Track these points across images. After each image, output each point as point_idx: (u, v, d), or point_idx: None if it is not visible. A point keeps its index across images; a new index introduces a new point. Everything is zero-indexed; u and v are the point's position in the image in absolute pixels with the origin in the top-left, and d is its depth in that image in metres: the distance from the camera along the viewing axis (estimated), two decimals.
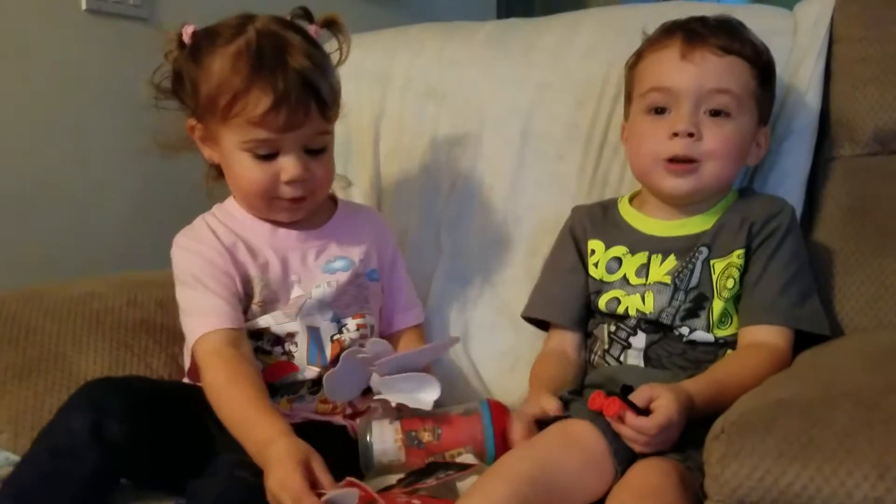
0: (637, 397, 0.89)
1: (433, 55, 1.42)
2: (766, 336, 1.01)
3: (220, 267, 1.05)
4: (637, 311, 1.05)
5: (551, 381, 1.07)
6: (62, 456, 0.89)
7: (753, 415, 0.74)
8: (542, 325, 1.18)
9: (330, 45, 1.11)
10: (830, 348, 0.97)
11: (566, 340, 1.14)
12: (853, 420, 0.70)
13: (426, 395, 1.00)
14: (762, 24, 1.17)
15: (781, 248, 1.04)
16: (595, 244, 1.12)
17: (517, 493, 0.84)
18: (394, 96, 1.42)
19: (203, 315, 1.03)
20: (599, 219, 1.14)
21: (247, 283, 1.07)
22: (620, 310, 1.07)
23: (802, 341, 1.02)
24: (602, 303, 1.09)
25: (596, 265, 1.11)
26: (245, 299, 1.06)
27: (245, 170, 1.04)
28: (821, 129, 1.20)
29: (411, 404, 1.00)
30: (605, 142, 1.29)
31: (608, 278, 1.09)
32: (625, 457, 0.90)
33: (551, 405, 0.97)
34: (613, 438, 0.90)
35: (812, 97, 1.19)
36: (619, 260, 1.10)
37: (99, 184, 1.55)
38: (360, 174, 1.40)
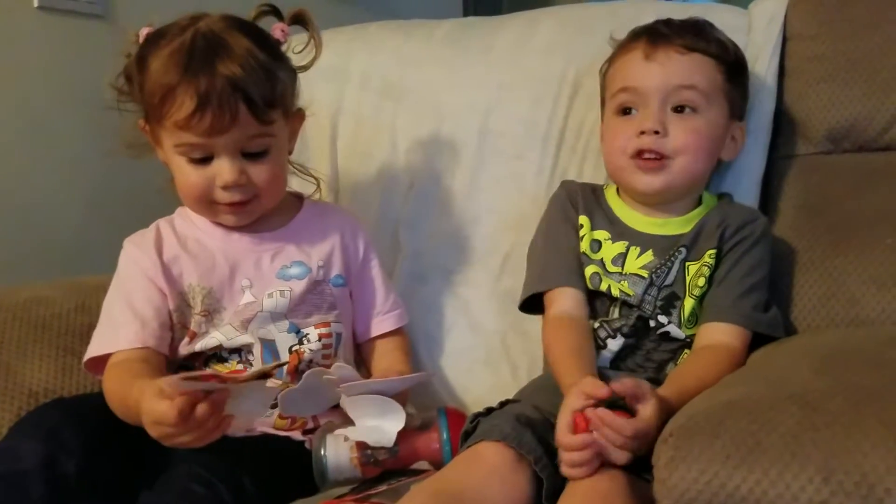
0: (624, 387, 0.86)
1: (391, 53, 1.41)
2: (724, 336, 1.02)
3: (152, 280, 1.04)
4: (620, 291, 1.05)
5: (580, 355, 1.01)
6: (9, 486, 0.88)
7: (701, 417, 0.74)
8: (532, 309, 1.13)
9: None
10: (781, 348, 0.97)
11: (570, 300, 1.07)
12: (799, 423, 0.70)
13: (389, 426, 0.97)
14: (717, 22, 1.17)
15: (750, 253, 1.05)
16: (583, 220, 1.12)
17: None
18: (351, 94, 1.40)
19: (113, 331, 1.02)
20: (590, 197, 1.15)
21: (184, 295, 1.05)
22: (603, 287, 1.07)
23: (757, 345, 1.02)
24: (587, 274, 1.09)
25: (583, 238, 1.12)
26: (184, 311, 1.05)
27: (182, 174, 1.02)
28: (775, 128, 1.20)
29: (372, 442, 0.97)
30: (563, 140, 1.28)
31: (591, 255, 1.10)
32: (549, 463, 0.90)
33: (599, 390, 0.87)
34: (535, 448, 0.90)
35: (766, 96, 1.19)
36: (599, 243, 1.10)
37: (52, 186, 1.52)
38: (317, 170, 1.38)
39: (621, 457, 0.85)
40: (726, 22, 1.21)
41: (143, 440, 0.91)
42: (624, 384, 0.86)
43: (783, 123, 1.20)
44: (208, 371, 0.91)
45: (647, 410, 0.86)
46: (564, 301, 1.08)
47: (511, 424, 0.93)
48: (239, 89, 0.96)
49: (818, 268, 1.08)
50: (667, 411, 0.86)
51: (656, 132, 1.04)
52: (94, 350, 1.02)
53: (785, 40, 1.21)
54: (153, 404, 0.84)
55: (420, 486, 0.89)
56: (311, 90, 1.38)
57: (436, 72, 1.37)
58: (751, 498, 0.68)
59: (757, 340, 1.03)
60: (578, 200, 1.14)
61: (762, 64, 1.20)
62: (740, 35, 1.21)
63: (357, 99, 1.40)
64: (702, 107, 1.06)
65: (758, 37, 1.21)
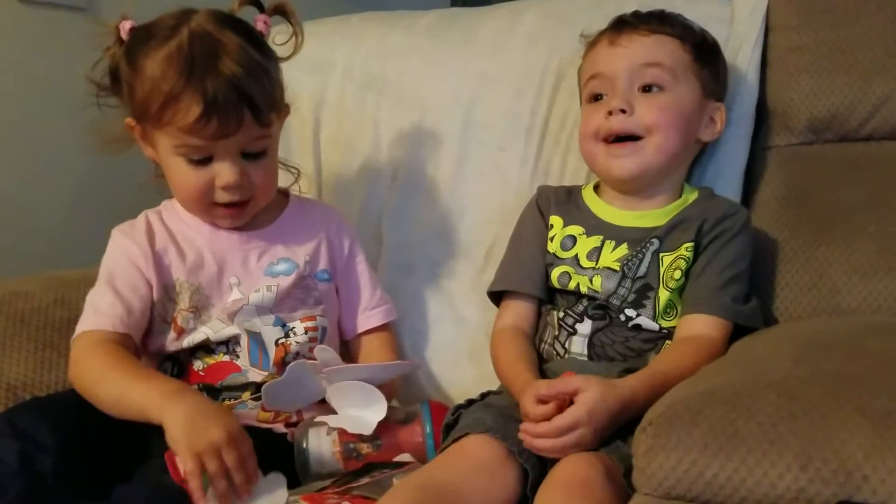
0: (566, 384, 0.90)
1: (374, 44, 1.40)
2: (704, 327, 1.02)
3: (139, 269, 1.04)
4: (588, 288, 1.06)
5: (528, 359, 1.06)
6: None
7: (681, 406, 0.74)
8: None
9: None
10: (761, 338, 0.97)
11: (522, 314, 1.12)
12: (777, 410, 0.70)
13: (370, 416, 0.97)
14: (699, 12, 1.18)
15: (729, 246, 1.05)
16: (554, 220, 1.13)
17: (409, 501, 0.85)
18: (334, 85, 1.40)
19: (95, 312, 1.02)
20: (563, 198, 1.16)
21: (170, 289, 1.05)
22: (571, 285, 1.07)
23: (738, 336, 1.02)
24: (554, 276, 1.09)
25: (552, 239, 1.12)
26: (166, 305, 1.05)
27: (180, 175, 1.02)
28: (757, 119, 1.20)
29: (351, 429, 0.96)
30: (547, 132, 1.28)
31: (561, 254, 1.10)
32: (532, 455, 0.91)
33: (537, 409, 0.91)
34: (519, 440, 0.91)
35: (749, 86, 1.19)
36: (573, 239, 1.10)
37: (35, 180, 1.51)
38: (300, 162, 1.37)
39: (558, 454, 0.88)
40: (709, 13, 1.21)
41: (118, 437, 0.91)
42: (569, 386, 0.89)
43: (766, 114, 1.20)
44: None
45: (581, 398, 0.88)
46: (513, 314, 1.12)
47: (493, 417, 0.94)
48: (243, 94, 0.96)
49: (800, 258, 1.09)
50: (613, 398, 0.88)
51: (623, 111, 1.06)
52: (78, 328, 1.01)
53: (767, 31, 1.21)
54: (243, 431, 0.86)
55: (405, 480, 0.89)
56: (295, 82, 1.38)
57: (418, 63, 1.37)
58: (729, 486, 0.68)
59: (738, 332, 1.02)
60: (550, 203, 1.15)
61: (744, 55, 1.20)
62: (722, 26, 1.21)
63: (340, 90, 1.39)
64: (669, 84, 1.07)
65: (740, 28, 1.21)
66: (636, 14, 1.12)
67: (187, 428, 0.85)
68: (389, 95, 1.36)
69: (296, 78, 1.37)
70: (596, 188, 1.16)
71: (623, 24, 1.11)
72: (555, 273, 1.09)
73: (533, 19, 1.34)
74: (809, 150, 1.18)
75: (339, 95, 1.39)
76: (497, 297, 1.16)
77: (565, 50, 1.27)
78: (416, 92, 1.35)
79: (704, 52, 1.11)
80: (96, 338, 1.00)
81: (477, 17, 1.40)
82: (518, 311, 1.12)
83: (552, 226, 1.13)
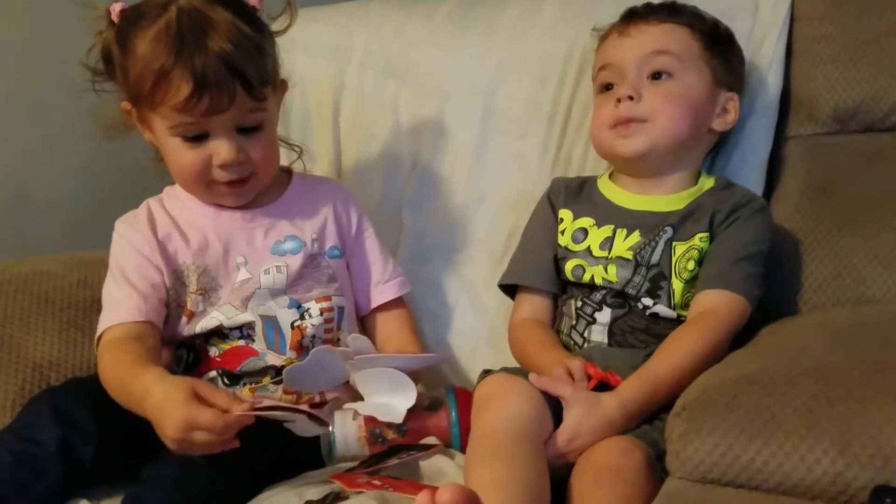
0: (554, 387, 0.93)
1: (393, 31, 1.40)
2: (710, 302, 1.00)
3: (147, 258, 1.04)
4: (603, 279, 1.06)
5: (559, 344, 1.08)
6: (25, 466, 0.88)
7: (715, 391, 0.74)
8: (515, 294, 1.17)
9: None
10: (791, 324, 0.97)
11: (539, 308, 1.13)
12: (814, 397, 0.70)
13: (399, 403, 0.96)
14: (724, 2, 1.18)
15: (742, 228, 1.05)
16: (564, 213, 1.13)
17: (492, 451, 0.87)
18: (353, 71, 1.39)
19: (113, 307, 1.01)
20: (574, 190, 1.16)
21: (179, 273, 1.05)
22: (586, 278, 1.07)
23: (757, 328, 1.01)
24: (568, 269, 1.09)
25: (563, 233, 1.12)
26: (178, 290, 1.05)
27: (177, 155, 1.01)
28: (781, 109, 1.20)
29: (381, 417, 0.96)
30: (569, 120, 1.28)
31: (573, 247, 1.11)
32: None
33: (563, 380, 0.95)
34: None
35: (773, 76, 1.19)
36: (584, 231, 1.11)
37: (46, 162, 1.50)
38: (319, 149, 1.38)
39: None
40: (732, 2, 1.21)
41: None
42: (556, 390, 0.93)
43: (790, 104, 1.20)
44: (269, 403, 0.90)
45: (559, 431, 0.91)
46: (529, 308, 1.13)
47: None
48: (234, 69, 0.95)
49: (825, 247, 1.08)
50: (597, 415, 0.91)
51: (630, 97, 1.07)
52: (101, 328, 1.01)
53: (792, 21, 1.21)
54: (194, 411, 0.83)
55: (490, 432, 0.88)
56: (314, 67, 1.38)
57: (438, 50, 1.36)
58: (766, 470, 0.68)
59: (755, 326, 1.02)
60: (560, 196, 1.15)
61: (769, 45, 1.19)
62: (747, 16, 1.21)
63: (359, 76, 1.39)
64: (677, 71, 1.08)
65: (765, 17, 1.21)
66: (647, 5, 1.13)
67: (161, 434, 0.86)
68: (409, 82, 1.36)
69: (313, 63, 1.38)
70: (612, 175, 1.16)
71: (633, 16, 1.12)
72: (568, 266, 1.09)
73: (554, 7, 1.33)
74: (834, 140, 1.18)
75: (357, 82, 1.39)
76: (511, 290, 1.16)
77: (587, 39, 1.26)
78: (436, 79, 1.35)
79: (716, 41, 1.11)
80: (113, 335, 0.99)
81: (497, 4, 1.39)
82: (535, 305, 1.13)
83: (562, 219, 1.13)
